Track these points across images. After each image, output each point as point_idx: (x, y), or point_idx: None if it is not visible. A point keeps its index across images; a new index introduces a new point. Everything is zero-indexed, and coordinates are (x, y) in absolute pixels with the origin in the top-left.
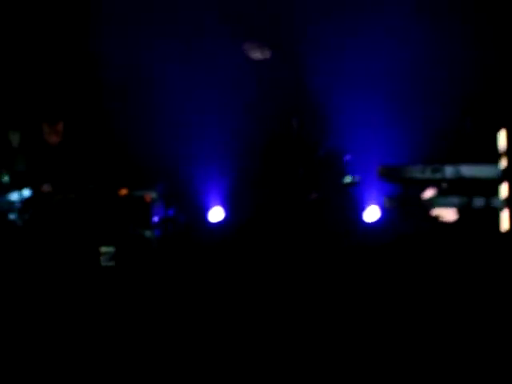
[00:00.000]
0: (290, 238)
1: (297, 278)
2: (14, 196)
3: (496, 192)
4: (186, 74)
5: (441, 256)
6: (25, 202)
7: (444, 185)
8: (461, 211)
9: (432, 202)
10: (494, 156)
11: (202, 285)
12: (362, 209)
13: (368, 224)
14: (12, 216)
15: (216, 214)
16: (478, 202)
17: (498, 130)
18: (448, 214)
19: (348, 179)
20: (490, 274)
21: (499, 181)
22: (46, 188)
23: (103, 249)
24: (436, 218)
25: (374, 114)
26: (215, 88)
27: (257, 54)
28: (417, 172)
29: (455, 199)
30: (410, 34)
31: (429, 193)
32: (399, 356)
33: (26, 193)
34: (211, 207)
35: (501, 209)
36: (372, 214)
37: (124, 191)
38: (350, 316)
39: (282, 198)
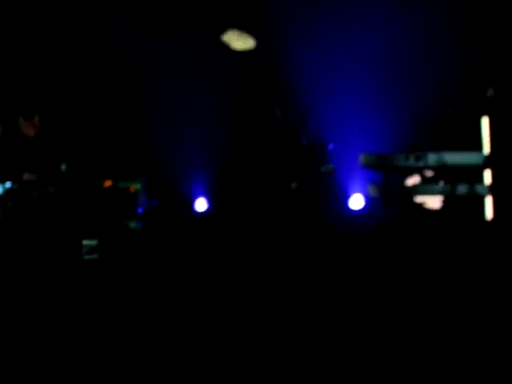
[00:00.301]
0: (275, 227)
1: (283, 267)
2: None
3: (479, 178)
4: (170, 67)
5: (426, 244)
6: (5, 194)
7: (428, 172)
8: (445, 198)
9: (416, 190)
10: (477, 143)
11: (188, 277)
12: (347, 197)
13: (353, 212)
14: None
15: (200, 205)
16: (462, 189)
17: (480, 117)
18: (432, 202)
19: (324, 168)
20: (476, 262)
21: (483, 167)
22: (29, 177)
23: (85, 242)
24: (420, 206)
25: (357, 103)
26: (198, 80)
27: (239, 44)
28: (400, 160)
29: (439, 186)
30: (391, 25)
31: (412, 180)
32: (389, 349)
33: (7, 185)
34: (196, 198)
35: (485, 195)
36: (356, 202)
37: (108, 183)
38: (338, 306)
39: (265, 187)
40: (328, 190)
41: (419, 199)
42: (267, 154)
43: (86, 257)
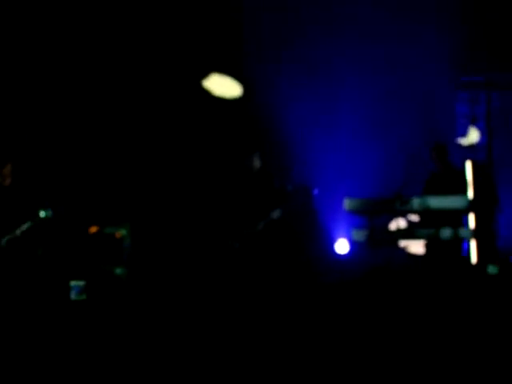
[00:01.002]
0: (262, 270)
1: (270, 310)
2: None
3: (462, 222)
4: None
5: (411, 288)
6: None
7: (412, 216)
8: (429, 242)
9: (400, 234)
10: (461, 187)
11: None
12: (333, 242)
13: (339, 256)
14: None
15: None
16: (446, 232)
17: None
18: (415, 246)
19: None
20: (461, 305)
21: (466, 211)
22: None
23: (73, 283)
24: (404, 250)
25: (342, 147)
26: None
27: (222, 90)
28: (384, 204)
29: (423, 230)
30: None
31: (396, 224)
32: None
33: None
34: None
35: (469, 239)
36: (342, 247)
37: (94, 229)
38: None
39: (249, 230)
40: (313, 233)
41: (403, 243)
42: (249, 201)
43: (75, 297)
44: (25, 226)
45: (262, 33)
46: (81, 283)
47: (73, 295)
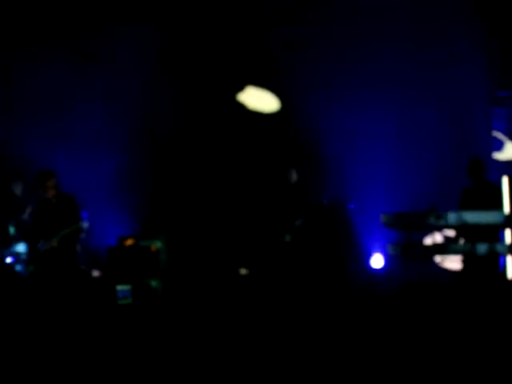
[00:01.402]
0: (299, 284)
1: (301, 323)
2: (21, 247)
3: (498, 238)
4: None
5: (446, 304)
6: (30, 253)
7: (448, 231)
8: (465, 257)
9: (436, 249)
10: (497, 203)
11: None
12: (368, 256)
13: (374, 271)
14: (18, 267)
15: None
16: (482, 248)
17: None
18: (451, 262)
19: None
20: (496, 323)
21: (503, 227)
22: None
23: (119, 287)
24: (440, 265)
25: (378, 162)
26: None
27: (259, 104)
28: (420, 219)
29: (459, 245)
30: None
31: (432, 239)
32: None
33: (31, 244)
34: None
35: (505, 255)
36: (377, 261)
37: (130, 241)
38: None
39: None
40: (349, 247)
41: (438, 259)
42: (285, 215)
43: (122, 301)
44: (62, 233)
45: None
46: (127, 287)
47: (120, 299)
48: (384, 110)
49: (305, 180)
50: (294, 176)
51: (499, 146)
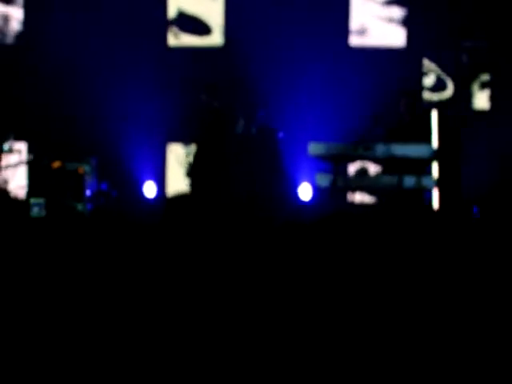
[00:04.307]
0: (224, 214)
1: (233, 256)
2: None
3: (425, 171)
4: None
5: (372, 233)
6: None
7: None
8: (392, 190)
9: (364, 181)
10: (427, 136)
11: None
12: (295, 186)
13: (301, 201)
14: None
15: (150, 189)
16: (409, 181)
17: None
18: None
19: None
20: (421, 251)
21: (430, 160)
22: None
23: (33, 200)
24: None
25: (307, 92)
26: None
27: None
28: (348, 149)
29: (386, 177)
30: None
31: (356, 169)
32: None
33: None
34: (145, 182)
35: (432, 188)
36: (305, 191)
37: (57, 163)
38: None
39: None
40: (277, 176)
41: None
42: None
43: (35, 214)
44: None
45: None
46: (41, 200)
47: (33, 212)
48: (314, 37)
49: (231, 107)
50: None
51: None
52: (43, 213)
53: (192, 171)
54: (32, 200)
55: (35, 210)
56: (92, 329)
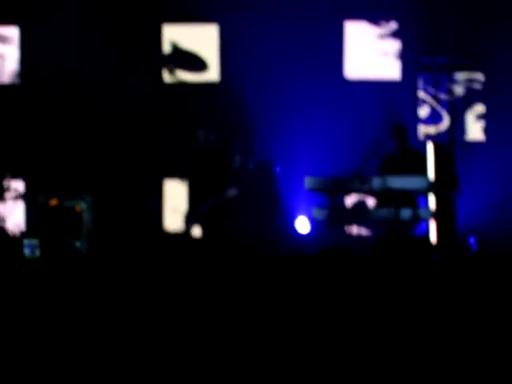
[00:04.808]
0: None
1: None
2: None
3: (417, 203)
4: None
5: (370, 266)
6: None
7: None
8: (389, 222)
9: (360, 214)
10: (422, 168)
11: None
12: (292, 219)
13: (299, 235)
14: None
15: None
16: (406, 213)
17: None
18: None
19: None
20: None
21: (426, 192)
22: None
23: (26, 240)
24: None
25: (302, 126)
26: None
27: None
28: (344, 183)
29: (383, 210)
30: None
31: (352, 202)
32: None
33: None
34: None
35: (428, 219)
36: (301, 224)
37: (54, 201)
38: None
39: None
40: (273, 211)
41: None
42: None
43: (29, 255)
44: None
45: None
46: (34, 241)
47: (27, 253)
48: (310, 75)
49: (227, 143)
50: (203, 135)
51: (436, 118)
52: (37, 253)
53: (189, 208)
54: (25, 241)
55: (28, 251)
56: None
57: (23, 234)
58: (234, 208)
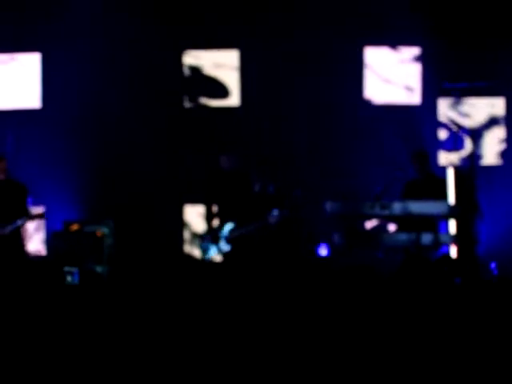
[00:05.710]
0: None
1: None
2: None
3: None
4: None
5: (390, 290)
6: None
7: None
8: (410, 247)
9: (381, 238)
10: (442, 193)
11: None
12: (314, 243)
13: (319, 258)
14: None
15: None
16: (427, 237)
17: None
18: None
19: None
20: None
21: (447, 217)
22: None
23: (67, 268)
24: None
25: (323, 150)
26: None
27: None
28: (365, 208)
29: (403, 235)
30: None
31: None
32: None
33: None
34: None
35: (449, 244)
36: (322, 249)
37: (75, 226)
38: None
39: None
40: (296, 235)
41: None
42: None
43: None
44: (18, 223)
45: None
46: (74, 269)
47: (67, 280)
48: (328, 98)
49: (246, 168)
50: (227, 162)
51: (456, 143)
52: (76, 280)
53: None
54: (66, 268)
55: (69, 278)
56: None
57: (62, 262)
58: (271, 232)
